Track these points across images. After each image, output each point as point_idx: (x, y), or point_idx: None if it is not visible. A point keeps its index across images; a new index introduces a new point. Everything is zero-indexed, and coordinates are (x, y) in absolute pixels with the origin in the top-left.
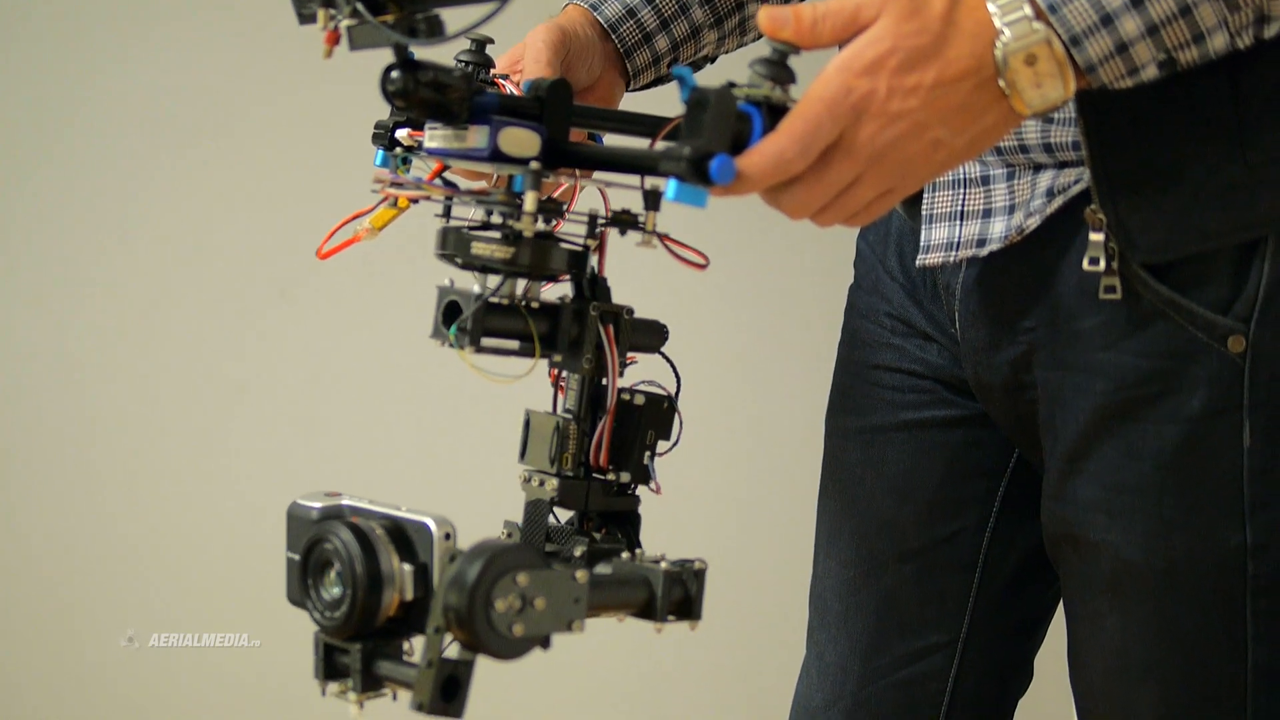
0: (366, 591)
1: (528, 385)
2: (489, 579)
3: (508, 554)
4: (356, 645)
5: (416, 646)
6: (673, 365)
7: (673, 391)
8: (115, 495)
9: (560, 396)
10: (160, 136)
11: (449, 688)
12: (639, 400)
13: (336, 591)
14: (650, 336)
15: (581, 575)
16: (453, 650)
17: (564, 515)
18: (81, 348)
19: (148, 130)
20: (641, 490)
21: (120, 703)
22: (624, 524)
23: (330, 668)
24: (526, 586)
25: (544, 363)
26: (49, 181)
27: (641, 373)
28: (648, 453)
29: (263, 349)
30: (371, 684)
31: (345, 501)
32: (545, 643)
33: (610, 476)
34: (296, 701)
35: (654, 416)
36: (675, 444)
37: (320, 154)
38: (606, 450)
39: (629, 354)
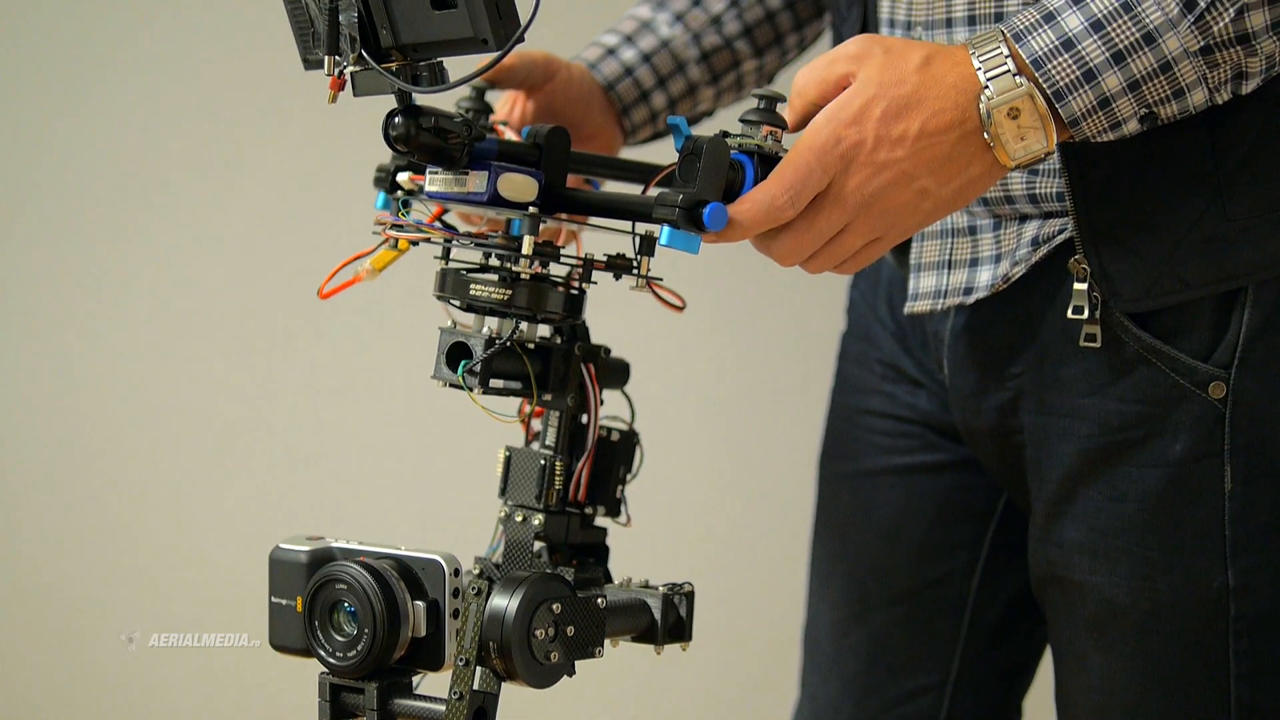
0: (386, 628)
1: (486, 422)
2: (528, 609)
3: (541, 584)
4: (372, 684)
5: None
6: (630, 401)
7: (630, 425)
8: (116, 496)
9: (524, 433)
10: (164, 178)
11: (478, 718)
12: (614, 437)
13: (351, 631)
14: (618, 375)
15: (602, 602)
16: (475, 682)
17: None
18: (86, 353)
19: (151, 171)
20: (630, 529)
21: (120, 703)
22: (594, 556)
23: (338, 709)
24: (560, 614)
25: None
26: (53, 219)
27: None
28: (620, 486)
29: (274, 361)
30: None
31: (333, 544)
32: (571, 669)
33: (589, 510)
34: (296, 701)
35: (625, 452)
36: (635, 475)
37: (323, 198)
38: (586, 485)
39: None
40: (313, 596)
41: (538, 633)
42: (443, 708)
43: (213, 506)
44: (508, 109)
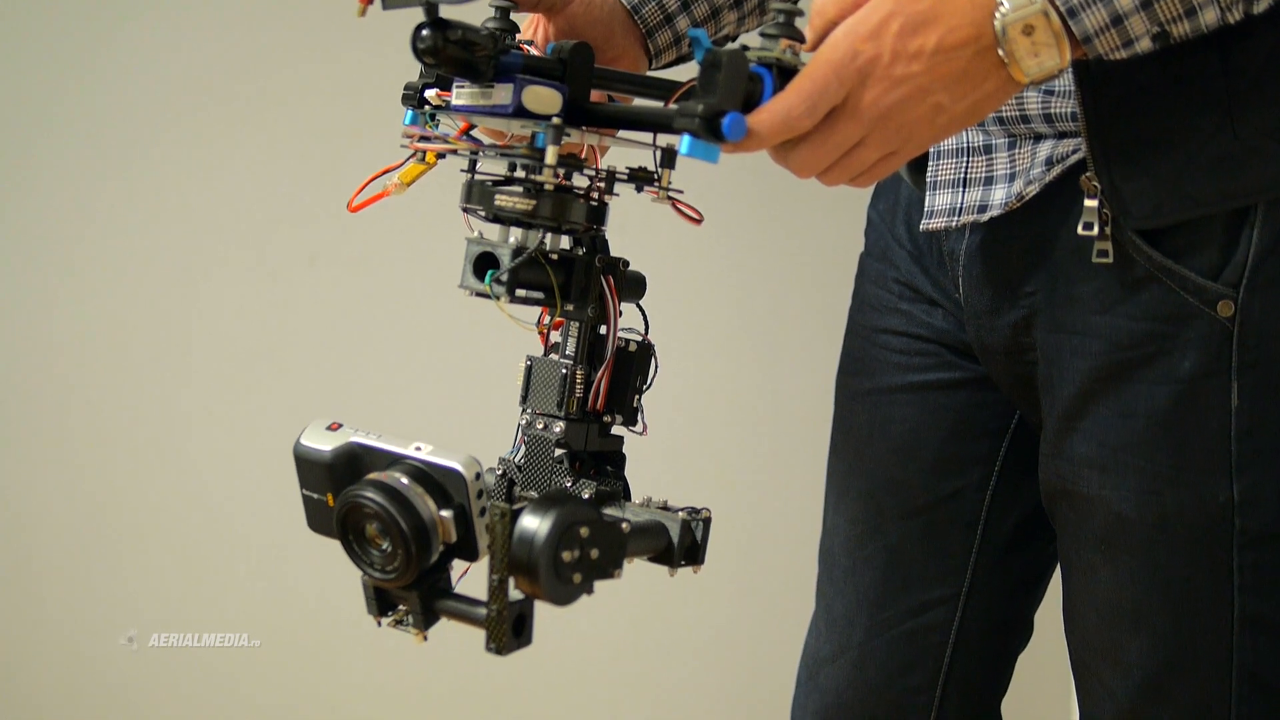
0: (417, 546)
1: (508, 333)
2: (558, 533)
3: (571, 507)
4: (414, 593)
5: (458, 566)
6: (644, 315)
7: (646, 337)
8: (116, 494)
9: (543, 344)
10: (190, 105)
11: (518, 625)
12: (632, 348)
13: (386, 546)
14: (635, 289)
15: (625, 526)
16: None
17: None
18: (85, 338)
19: (178, 98)
20: (655, 443)
21: (120, 703)
22: (612, 463)
23: (383, 602)
24: (586, 538)
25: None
26: (78, 152)
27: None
28: (637, 396)
29: (275, 334)
30: (431, 620)
31: (354, 439)
32: (590, 589)
33: (607, 419)
34: (296, 701)
35: (642, 362)
36: (650, 385)
37: (350, 124)
38: (605, 394)
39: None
40: (342, 521)
41: (564, 555)
42: (481, 609)
43: (215, 507)
44: (531, 31)
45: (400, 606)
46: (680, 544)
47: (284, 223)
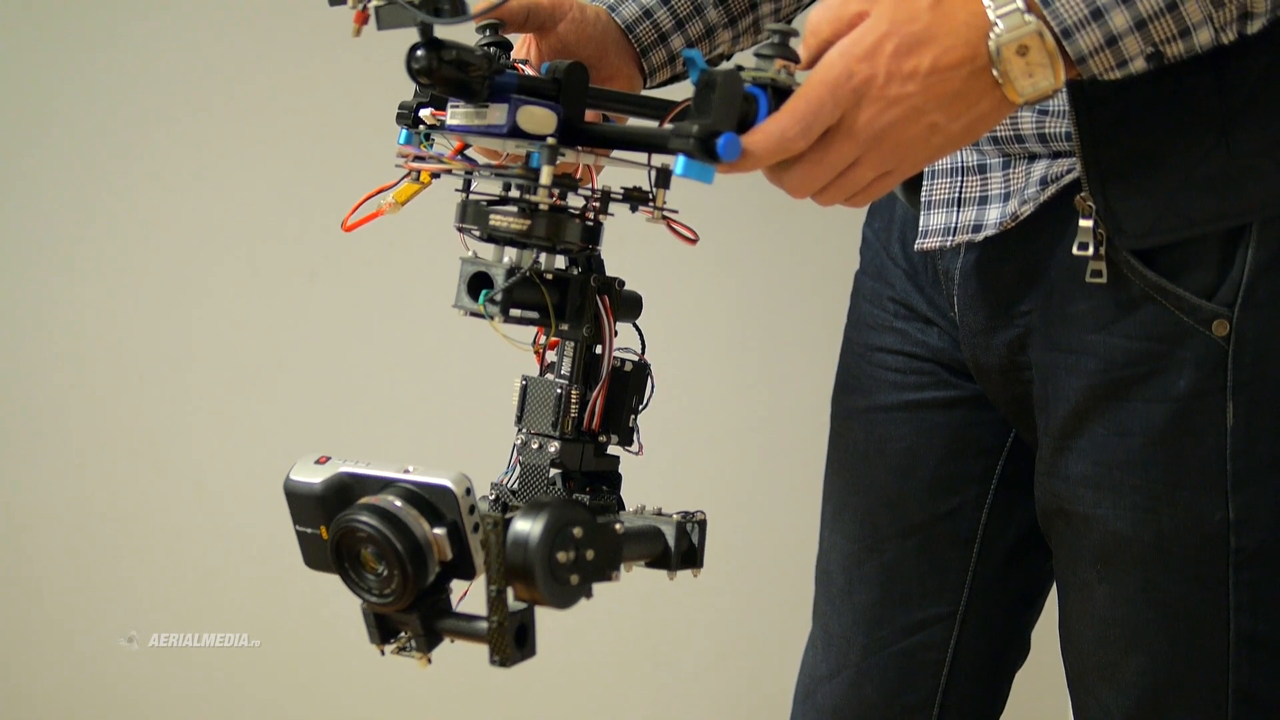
0: (413, 566)
1: (503, 353)
2: (551, 533)
3: (564, 508)
4: (414, 615)
5: (457, 586)
6: (640, 334)
7: (642, 356)
8: (116, 495)
9: (538, 364)
10: (191, 122)
11: (520, 636)
12: (627, 367)
13: (382, 570)
14: (631, 308)
15: (619, 527)
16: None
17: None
18: (86, 343)
19: (178, 116)
20: (650, 462)
21: (120, 703)
22: (607, 483)
23: (385, 630)
24: (581, 539)
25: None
26: (78, 165)
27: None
28: (633, 416)
29: (273, 348)
30: (434, 642)
31: (343, 469)
32: (589, 592)
33: (602, 439)
34: (296, 701)
35: (638, 382)
36: (646, 405)
37: (349, 143)
38: (600, 414)
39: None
40: (336, 547)
41: (559, 555)
42: (483, 624)
43: (215, 507)
44: (524, 50)
45: (401, 632)
46: (677, 547)
47: (285, 238)
